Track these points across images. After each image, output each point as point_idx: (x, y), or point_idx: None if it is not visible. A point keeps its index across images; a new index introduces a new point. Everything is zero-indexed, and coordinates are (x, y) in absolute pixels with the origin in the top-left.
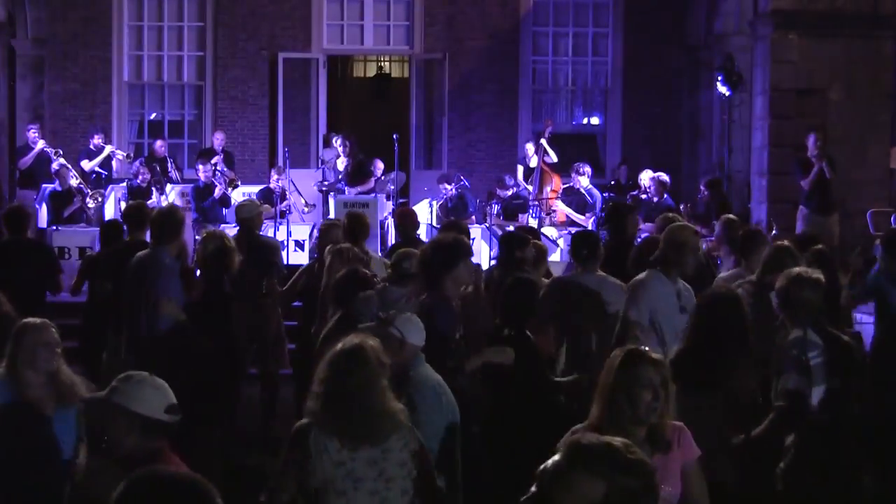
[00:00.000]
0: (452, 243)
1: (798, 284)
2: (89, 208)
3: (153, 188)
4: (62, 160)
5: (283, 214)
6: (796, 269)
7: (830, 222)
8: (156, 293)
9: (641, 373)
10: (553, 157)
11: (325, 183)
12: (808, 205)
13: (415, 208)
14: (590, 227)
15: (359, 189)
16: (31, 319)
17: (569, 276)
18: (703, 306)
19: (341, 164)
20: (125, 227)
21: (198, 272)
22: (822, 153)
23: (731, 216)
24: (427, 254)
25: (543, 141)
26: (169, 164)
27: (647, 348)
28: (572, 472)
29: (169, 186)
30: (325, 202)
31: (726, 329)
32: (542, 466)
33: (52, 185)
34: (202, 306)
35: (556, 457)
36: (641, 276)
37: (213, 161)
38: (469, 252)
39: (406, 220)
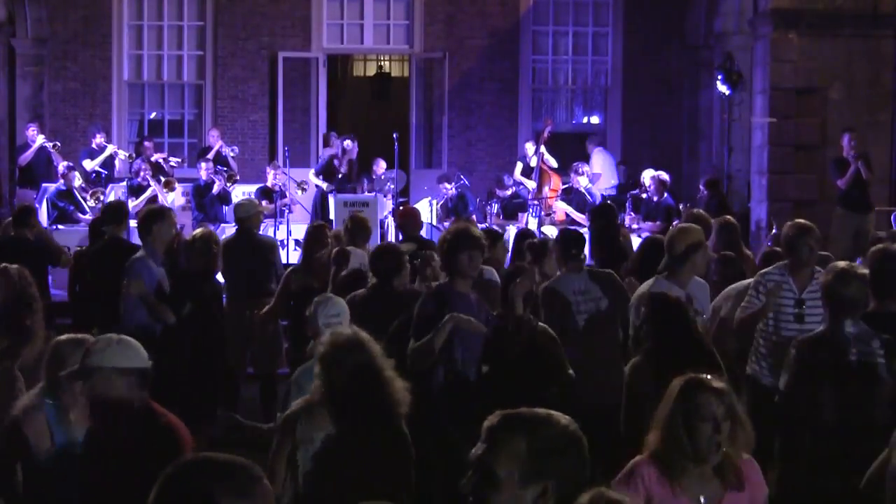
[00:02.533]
0: (451, 235)
1: (841, 280)
2: (90, 207)
3: (153, 183)
4: (66, 163)
5: (283, 213)
6: (841, 264)
7: (866, 222)
8: (124, 280)
9: (701, 403)
10: (553, 163)
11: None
12: (844, 204)
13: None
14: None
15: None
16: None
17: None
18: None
19: (339, 164)
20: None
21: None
22: (858, 152)
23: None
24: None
25: (543, 148)
26: (167, 167)
27: (708, 376)
28: (496, 435)
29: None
30: (322, 200)
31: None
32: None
33: (56, 185)
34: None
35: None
36: (646, 284)
37: (212, 151)
38: (469, 243)
39: (408, 220)
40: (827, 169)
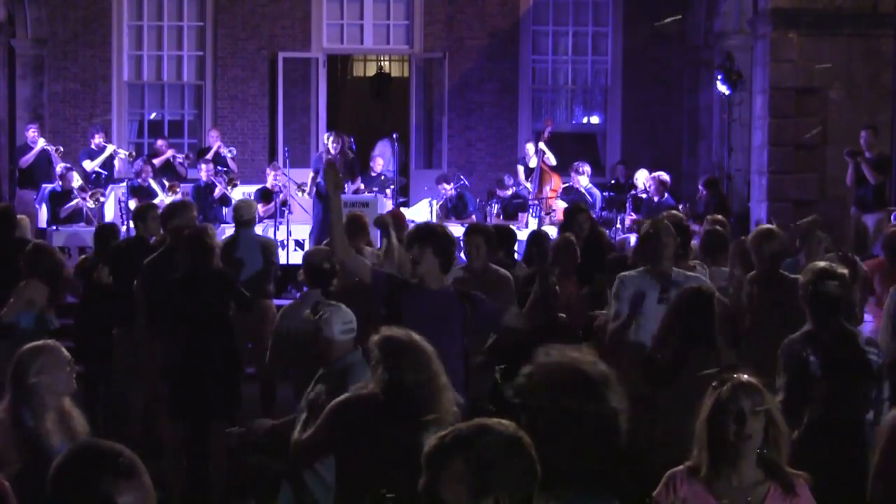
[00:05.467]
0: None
1: (822, 279)
2: (90, 208)
3: (156, 186)
4: (64, 164)
5: (283, 213)
6: (821, 264)
7: (875, 221)
8: None
9: (726, 398)
10: (552, 160)
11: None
12: (854, 202)
13: (414, 208)
14: None
15: (349, 188)
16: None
17: None
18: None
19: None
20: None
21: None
22: (855, 151)
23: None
24: None
25: (542, 145)
26: (176, 164)
27: (743, 376)
28: (433, 462)
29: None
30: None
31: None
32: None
33: (53, 185)
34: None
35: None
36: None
37: (210, 152)
38: (413, 238)
39: (394, 221)
40: (827, 168)
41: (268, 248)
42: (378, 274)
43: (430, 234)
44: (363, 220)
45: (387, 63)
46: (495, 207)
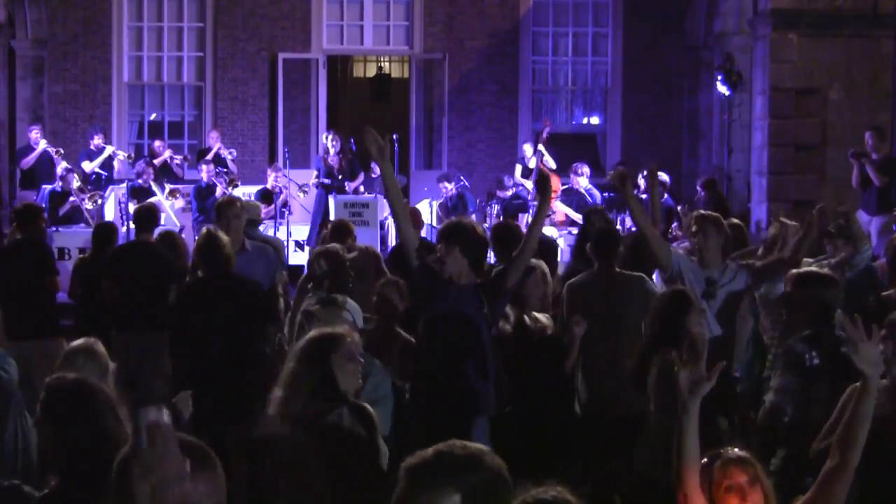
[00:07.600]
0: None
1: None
2: (88, 209)
3: (157, 189)
4: (65, 164)
5: (283, 214)
6: (804, 269)
7: (880, 223)
8: None
9: (724, 476)
10: (552, 163)
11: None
12: (861, 203)
13: (416, 208)
14: None
15: (350, 186)
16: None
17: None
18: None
19: (330, 161)
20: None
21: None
22: (859, 153)
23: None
24: None
25: (542, 147)
26: (173, 165)
27: (734, 450)
28: (420, 496)
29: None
30: (323, 200)
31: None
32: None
33: (52, 186)
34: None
35: (399, 486)
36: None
37: (210, 153)
38: (441, 235)
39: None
40: (826, 169)
41: (275, 249)
42: (423, 262)
43: (458, 233)
44: (349, 226)
45: (387, 64)
46: (495, 208)
